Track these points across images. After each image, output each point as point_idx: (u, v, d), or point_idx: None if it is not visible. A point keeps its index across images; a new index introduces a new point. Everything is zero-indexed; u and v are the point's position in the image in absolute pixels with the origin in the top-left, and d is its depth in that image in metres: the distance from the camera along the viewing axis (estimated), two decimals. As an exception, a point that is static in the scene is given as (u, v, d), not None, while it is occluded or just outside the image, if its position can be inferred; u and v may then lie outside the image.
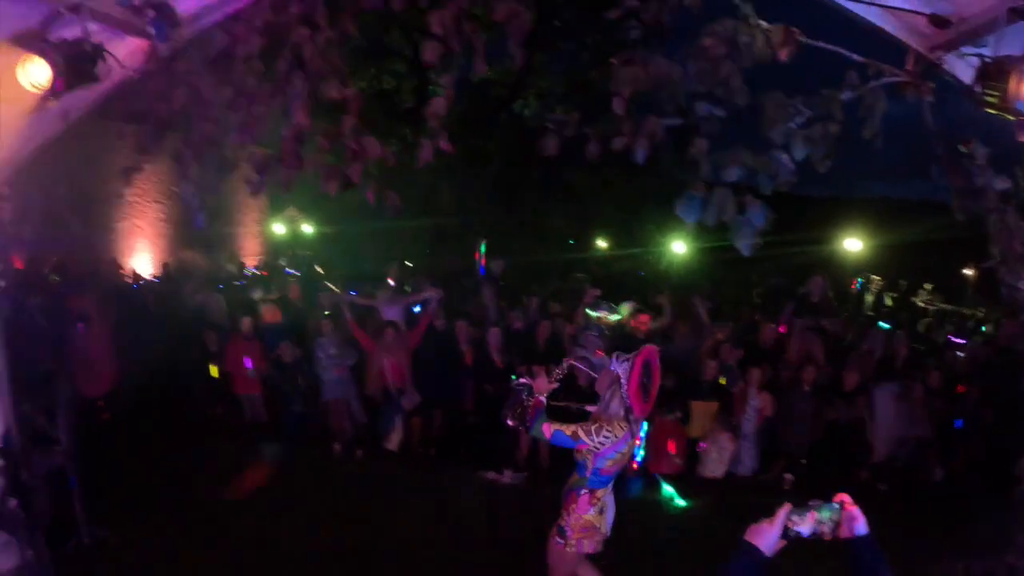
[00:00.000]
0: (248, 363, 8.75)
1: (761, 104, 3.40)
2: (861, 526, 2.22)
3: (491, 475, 7.75)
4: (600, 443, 4.12)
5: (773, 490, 7.84)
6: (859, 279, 15.79)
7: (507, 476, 7.75)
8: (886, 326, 10.71)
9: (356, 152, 3.93)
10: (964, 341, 10.53)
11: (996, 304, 14.48)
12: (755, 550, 2.18)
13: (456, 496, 7.17)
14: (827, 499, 2.29)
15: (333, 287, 10.06)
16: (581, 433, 4.16)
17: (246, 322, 8.96)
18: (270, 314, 8.99)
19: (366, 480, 7.55)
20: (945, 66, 3.75)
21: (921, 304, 14.84)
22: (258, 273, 12.28)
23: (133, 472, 6.88)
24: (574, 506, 4.27)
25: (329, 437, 8.58)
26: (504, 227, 15.74)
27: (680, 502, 7.28)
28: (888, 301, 15.29)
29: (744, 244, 3.34)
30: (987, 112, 3.42)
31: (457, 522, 6.58)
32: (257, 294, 9.87)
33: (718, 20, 3.46)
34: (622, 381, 4.14)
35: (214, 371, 8.89)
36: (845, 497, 2.27)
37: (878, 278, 15.88)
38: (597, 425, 4.15)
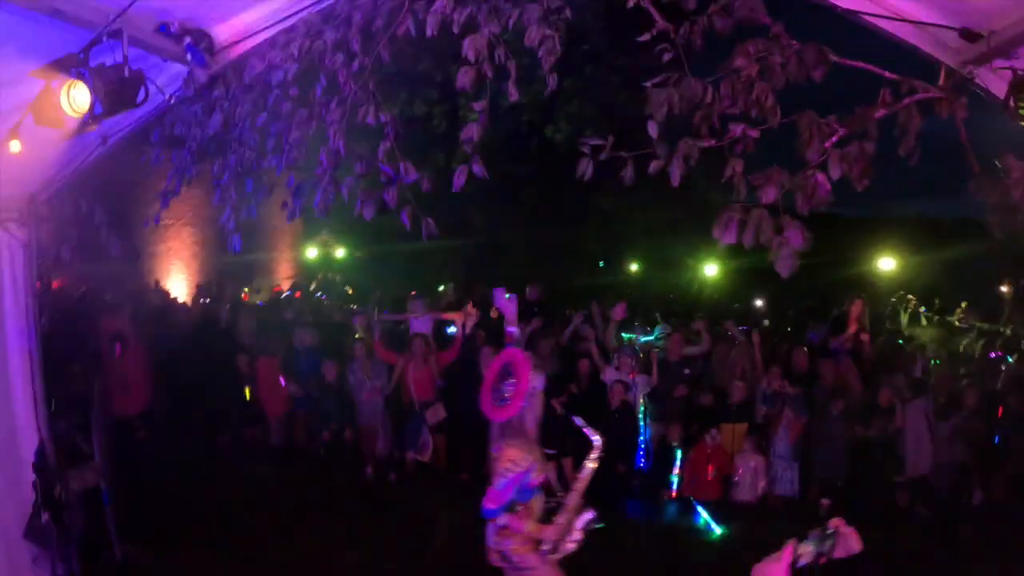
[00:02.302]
0: (282, 384, 8.81)
1: (795, 123, 3.37)
2: (856, 545, 2.30)
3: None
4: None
5: (810, 515, 7.66)
6: (893, 299, 15.52)
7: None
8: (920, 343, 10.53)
9: (391, 176, 3.99)
10: (1002, 356, 10.27)
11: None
12: None
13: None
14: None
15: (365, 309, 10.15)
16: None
17: (276, 344, 9.05)
18: (305, 336, 9.06)
19: (399, 504, 7.54)
20: (977, 80, 3.70)
21: (957, 323, 14.52)
22: (291, 295, 12.42)
23: (166, 491, 6.94)
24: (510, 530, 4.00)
25: (361, 461, 8.59)
26: (537, 251, 15.79)
27: (716, 529, 7.14)
28: (923, 321, 15.02)
29: (783, 266, 3.27)
30: (1021, 125, 3.37)
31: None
32: (289, 315, 9.95)
33: (749, 40, 3.45)
34: None
35: (247, 393, 8.96)
36: (839, 521, 2.33)
37: (912, 297, 15.62)
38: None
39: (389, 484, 8.30)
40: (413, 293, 10.09)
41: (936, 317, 15.18)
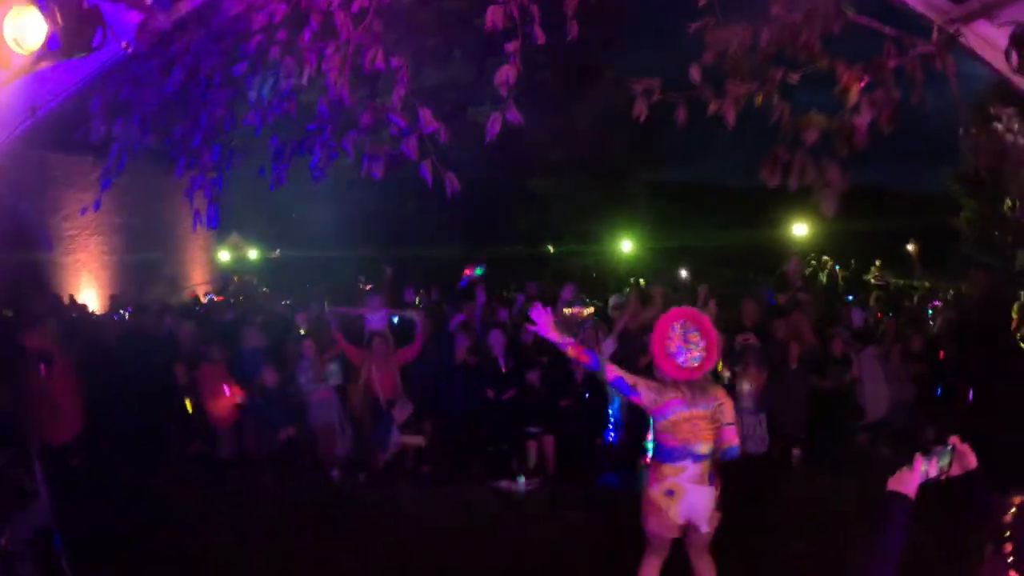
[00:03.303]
0: (227, 393, 8.21)
1: (833, 70, 3.34)
2: (972, 462, 2.49)
3: (505, 484, 7.46)
4: (646, 393, 4.08)
5: (784, 468, 7.83)
6: (813, 261, 16.30)
7: (522, 484, 7.46)
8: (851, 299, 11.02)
9: (402, 129, 3.50)
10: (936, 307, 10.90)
11: (941, 275, 15.20)
12: (903, 496, 2.38)
13: (476, 511, 6.80)
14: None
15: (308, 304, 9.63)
16: (641, 386, 4.10)
17: (219, 349, 8.43)
18: (252, 337, 8.45)
19: (375, 506, 7.07)
20: (961, 40, 3.81)
21: (873, 280, 15.39)
22: (216, 300, 11.66)
23: (114, 521, 6.27)
24: (645, 480, 4.18)
25: (322, 465, 8.11)
26: (469, 234, 15.57)
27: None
28: (840, 280, 15.85)
29: (827, 207, 3.27)
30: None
31: (486, 537, 6.22)
32: (231, 316, 9.29)
33: None
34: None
35: (188, 405, 8.29)
36: (955, 439, 2.50)
37: (828, 259, 16.46)
38: (657, 383, 4.12)
39: (360, 485, 7.85)
40: (369, 288, 9.60)
41: (853, 275, 16.09)
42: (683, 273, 17.85)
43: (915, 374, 8.57)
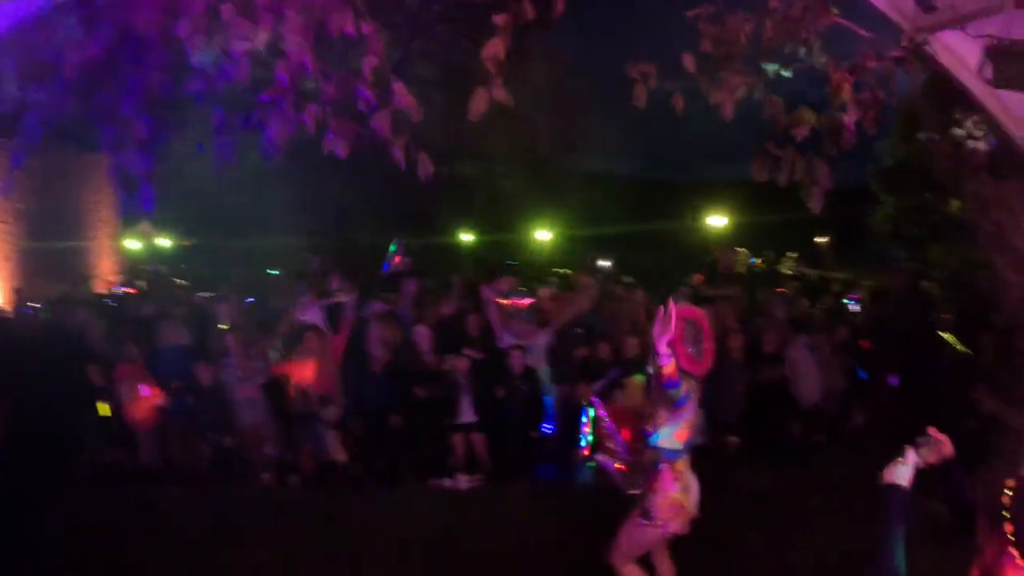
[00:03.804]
0: (146, 394, 7.65)
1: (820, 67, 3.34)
2: (948, 450, 2.70)
3: (446, 482, 7.28)
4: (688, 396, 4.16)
5: (723, 456, 7.97)
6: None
7: (463, 481, 7.30)
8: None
9: (370, 103, 3.11)
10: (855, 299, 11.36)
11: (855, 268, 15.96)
12: (900, 488, 2.54)
13: (419, 512, 6.56)
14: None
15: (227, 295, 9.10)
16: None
17: (136, 347, 7.84)
18: (172, 333, 7.90)
19: (312, 513, 6.64)
20: (926, 47, 3.92)
21: (788, 271, 15.91)
22: (129, 291, 10.86)
23: (28, 540, 5.74)
24: (658, 483, 4.16)
25: (251, 468, 7.69)
26: (388, 220, 15.15)
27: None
28: (756, 270, 16.29)
29: (815, 203, 3.28)
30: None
31: (434, 539, 6.02)
32: (148, 310, 8.63)
33: None
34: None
35: (104, 409, 7.67)
36: (933, 430, 2.72)
37: (743, 250, 16.90)
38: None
39: (293, 490, 7.49)
40: (297, 282, 9.08)
41: (768, 266, 16.58)
42: (605, 262, 18.06)
43: (843, 363, 8.91)
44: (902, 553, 2.42)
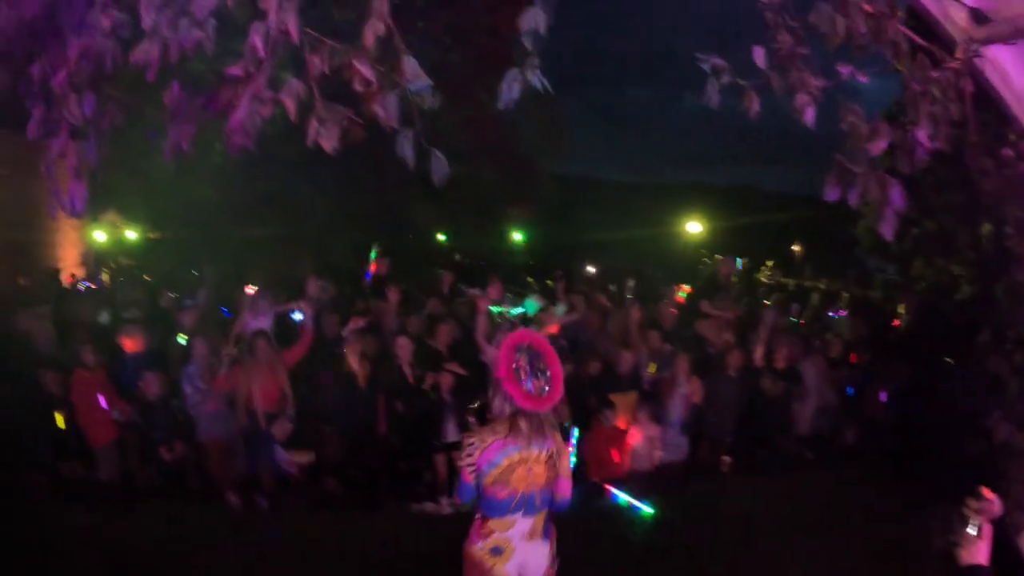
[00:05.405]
0: (103, 404, 7.07)
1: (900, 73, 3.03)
2: (999, 508, 2.70)
3: (428, 506, 6.84)
4: (468, 457, 3.51)
5: (715, 474, 7.70)
6: (705, 259, 16.58)
7: (446, 505, 6.86)
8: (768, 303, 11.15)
9: (369, 82, 2.35)
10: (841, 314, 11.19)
11: (831, 277, 15.88)
12: (982, 569, 2.54)
13: (404, 539, 6.14)
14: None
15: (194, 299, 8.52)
16: (465, 460, 3.54)
17: (91, 354, 7.24)
18: (131, 341, 7.31)
19: (284, 538, 6.12)
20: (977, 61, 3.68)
21: (765, 280, 15.81)
22: (92, 287, 10.16)
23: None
24: (470, 533, 3.64)
25: (216, 487, 7.15)
26: (359, 222, 14.66)
27: (647, 509, 6.79)
28: (734, 279, 16.15)
29: (887, 227, 2.93)
30: None
31: (414, 568, 5.60)
32: (104, 316, 8.01)
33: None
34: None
35: (59, 420, 7.07)
36: (987, 491, 2.69)
37: (720, 257, 16.75)
38: (467, 437, 3.59)
39: (261, 511, 6.96)
40: (254, 290, 8.38)
41: (744, 275, 16.46)
42: (590, 268, 17.76)
43: (836, 378, 8.70)
44: None
